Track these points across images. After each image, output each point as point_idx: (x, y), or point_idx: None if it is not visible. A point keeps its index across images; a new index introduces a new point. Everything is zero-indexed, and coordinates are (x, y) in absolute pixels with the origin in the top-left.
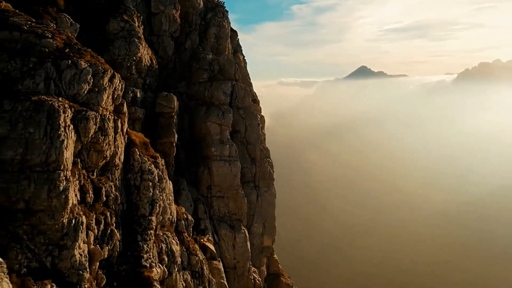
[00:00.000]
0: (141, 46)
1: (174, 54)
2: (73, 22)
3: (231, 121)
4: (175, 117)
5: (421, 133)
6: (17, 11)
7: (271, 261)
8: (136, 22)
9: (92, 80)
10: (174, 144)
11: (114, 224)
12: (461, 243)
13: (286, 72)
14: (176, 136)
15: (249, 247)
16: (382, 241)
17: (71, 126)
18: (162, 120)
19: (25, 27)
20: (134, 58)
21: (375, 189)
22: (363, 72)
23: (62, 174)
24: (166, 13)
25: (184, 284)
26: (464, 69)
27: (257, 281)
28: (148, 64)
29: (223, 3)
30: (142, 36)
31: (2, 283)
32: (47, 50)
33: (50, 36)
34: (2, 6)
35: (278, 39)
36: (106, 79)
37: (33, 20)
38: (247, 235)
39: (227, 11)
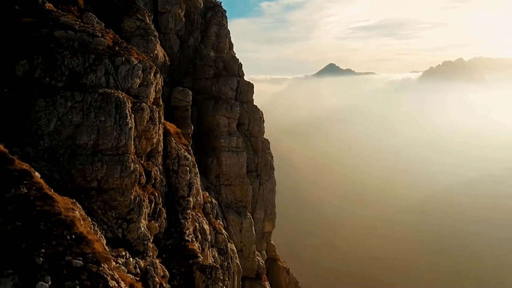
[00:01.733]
0: (157, 43)
1: (178, 51)
2: (99, 21)
3: (238, 115)
4: (190, 110)
5: (387, 131)
6: (59, 10)
7: (269, 246)
8: (148, 21)
9: (142, 75)
10: (190, 135)
11: (161, 204)
12: (423, 239)
13: (256, 69)
14: (192, 127)
15: (254, 232)
16: (348, 237)
17: (133, 116)
18: (178, 113)
19: (76, 27)
20: (152, 55)
21: (340, 186)
22: (331, 69)
23: (130, 157)
24: (173, 12)
25: (212, 260)
26: (429, 67)
27: (260, 263)
28: (162, 61)
29: (221, 3)
30: (157, 34)
31: (103, 241)
32: (101, 47)
33: (100, 35)
34: (47, 7)
35: (247, 36)
36: (152, 74)
37: (79, 20)
38: (252, 221)
39: (225, 11)
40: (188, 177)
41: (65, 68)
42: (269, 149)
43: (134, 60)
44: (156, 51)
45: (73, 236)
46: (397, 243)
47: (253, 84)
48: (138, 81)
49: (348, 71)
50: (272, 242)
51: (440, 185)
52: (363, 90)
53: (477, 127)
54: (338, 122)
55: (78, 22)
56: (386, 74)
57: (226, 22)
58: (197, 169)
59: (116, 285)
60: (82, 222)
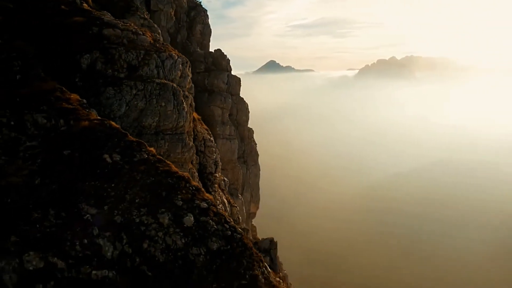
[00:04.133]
0: (162, 40)
1: None
2: (115, 19)
3: (230, 105)
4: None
5: (327, 127)
6: (94, 10)
7: (251, 227)
8: (148, 19)
9: (181, 68)
10: None
11: (197, 178)
12: (366, 238)
13: None
14: (197, 117)
15: (244, 212)
16: (284, 232)
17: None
18: None
19: (120, 26)
20: None
21: (279, 183)
22: (272, 66)
23: (187, 136)
24: (165, 11)
25: None
26: (364, 65)
27: (250, 241)
28: None
29: (200, 2)
30: (160, 32)
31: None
32: (145, 44)
33: (141, 33)
34: (84, 6)
35: None
36: (187, 68)
37: (116, 19)
38: (243, 201)
39: (206, 10)
40: (214, 156)
41: (124, 62)
42: (253, 137)
43: (175, 55)
44: None
45: (193, 188)
46: (342, 243)
47: (240, 78)
48: (179, 73)
49: (288, 68)
50: (253, 223)
51: (371, 181)
52: (304, 87)
53: (410, 124)
54: (279, 118)
55: (117, 21)
56: (325, 72)
57: (208, 21)
58: (218, 149)
59: (229, 221)
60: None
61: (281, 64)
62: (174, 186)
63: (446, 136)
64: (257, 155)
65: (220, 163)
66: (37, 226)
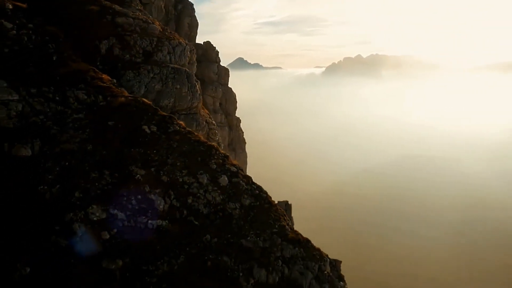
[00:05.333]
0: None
1: None
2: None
3: (221, 95)
4: None
5: (295, 125)
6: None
7: None
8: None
9: (189, 55)
10: None
11: None
12: (337, 236)
13: None
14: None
15: None
16: None
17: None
18: None
19: (130, 15)
20: None
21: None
22: (240, 63)
23: (200, 116)
24: (155, 4)
25: None
26: (331, 63)
27: None
28: None
29: None
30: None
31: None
32: (156, 32)
33: (151, 22)
34: None
35: None
36: (194, 54)
37: (124, 8)
38: None
39: (192, 4)
40: (217, 138)
41: (139, 48)
42: (240, 125)
43: (183, 42)
44: None
45: (223, 155)
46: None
47: (228, 69)
48: (187, 59)
49: (257, 65)
50: None
51: (341, 179)
52: (272, 84)
53: (375, 121)
54: (249, 116)
55: (129, 11)
56: (292, 69)
57: (195, 14)
58: (219, 132)
59: (255, 182)
60: None
61: (249, 61)
62: (207, 152)
63: (410, 133)
64: (244, 142)
65: (222, 145)
66: (96, 184)
